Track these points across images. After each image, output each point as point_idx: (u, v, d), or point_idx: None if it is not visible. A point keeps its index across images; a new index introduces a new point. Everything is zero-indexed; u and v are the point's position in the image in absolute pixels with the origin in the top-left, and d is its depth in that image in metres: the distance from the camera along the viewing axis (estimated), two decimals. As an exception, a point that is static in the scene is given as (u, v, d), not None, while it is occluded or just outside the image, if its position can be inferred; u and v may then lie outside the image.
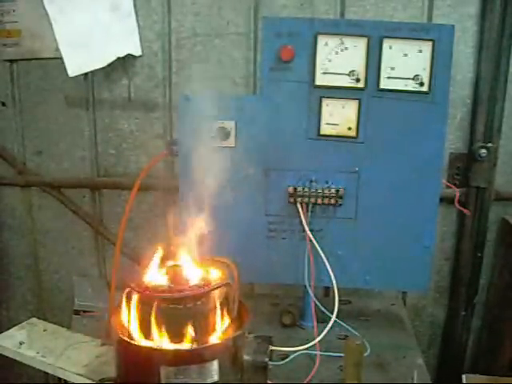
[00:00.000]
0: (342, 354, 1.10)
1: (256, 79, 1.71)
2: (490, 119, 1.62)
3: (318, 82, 1.27)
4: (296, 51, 1.25)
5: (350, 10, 1.65)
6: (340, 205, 1.33)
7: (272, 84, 1.29)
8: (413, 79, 1.25)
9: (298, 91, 1.28)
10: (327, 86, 1.27)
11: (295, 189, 1.32)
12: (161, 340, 0.95)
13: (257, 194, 1.35)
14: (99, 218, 1.92)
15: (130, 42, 1.72)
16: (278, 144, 1.31)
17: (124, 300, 1.02)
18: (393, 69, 1.25)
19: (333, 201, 1.32)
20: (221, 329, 1.01)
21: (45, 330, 1.47)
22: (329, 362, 1.22)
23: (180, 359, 0.93)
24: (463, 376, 1.47)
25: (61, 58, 1.68)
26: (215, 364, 0.94)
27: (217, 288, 1.00)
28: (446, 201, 1.65)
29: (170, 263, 1.08)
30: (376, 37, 1.23)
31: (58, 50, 1.68)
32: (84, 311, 1.97)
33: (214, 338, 0.98)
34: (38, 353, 1.33)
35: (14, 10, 1.79)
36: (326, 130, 1.30)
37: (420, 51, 1.24)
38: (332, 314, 1.28)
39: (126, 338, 0.96)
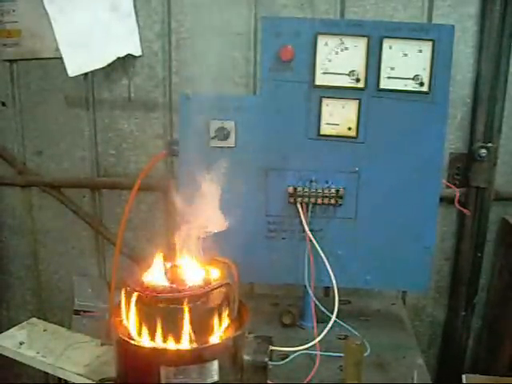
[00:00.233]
0: (341, 354, 1.10)
1: (256, 79, 1.71)
2: (490, 119, 1.62)
3: (317, 82, 1.27)
4: (296, 51, 1.25)
5: (349, 10, 1.65)
6: (340, 205, 1.33)
7: (272, 84, 1.29)
8: (413, 79, 1.25)
9: (297, 91, 1.28)
10: (327, 86, 1.27)
11: (295, 189, 1.32)
12: (161, 340, 0.95)
13: (257, 194, 1.35)
14: (99, 218, 1.92)
15: (130, 42, 1.72)
16: (277, 144, 1.31)
17: (124, 300, 1.02)
18: (393, 69, 1.25)
19: (333, 201, 1.32)
20: (221, 329, 1.01)
21: (45, 330, 1.47)
22: (329, 362, 1.22)
23: (180, 359, 0.93)
24: (463, 376, 1.47)
25: (61, 58, 1.67)
26: (215, 364, 0.94)
27: (217, 288, 1.00)
28: (446, 201, 1.65)
29: (169, 263, 1.08)
30: (376, 37, 1.23)
31: (57, 49, 1.68)
32: (84, 311, 1.97)
33: (214, 338, 0.98)
34: (38, 353, 1.33)
35: (13, 10, 1.79)
36: (326, 130, 1.30)
37: (420, 51, 1.24)
38: (332, 314, 1.28)
39: (125, 338, 0.96)
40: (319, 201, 1.32)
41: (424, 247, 1.34)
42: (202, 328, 0.97)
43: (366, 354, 1.20)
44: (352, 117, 1.28)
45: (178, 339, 0.95)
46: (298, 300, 1.44)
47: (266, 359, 1.01)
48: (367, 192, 1.33)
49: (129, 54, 1.73)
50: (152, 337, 0.96)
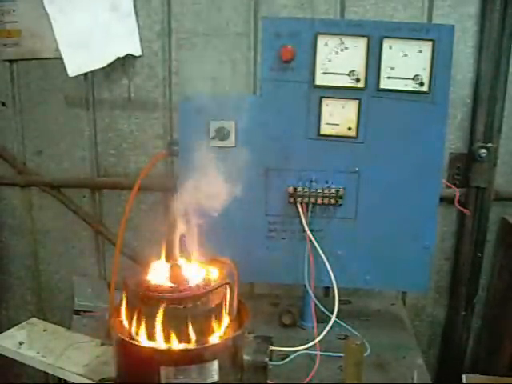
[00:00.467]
0: (342, 354, 1.10)
1: (256, 79, 1.71)
2: (490, 119, 1.62)
3: (318, 82, 1.27)
4: (296, 51, 1.25)
5: (349, 10, 1.65)
6: (340, 205, 1.33)
7: (272, 84, 1.29)
8: (413, 79, 1.25)
9: (298, 91, 1.28)
10: (327, 86, 1.27)
11: (295, 189, 1.32)
12: (161, 340, 0.95)
13: (257, 193, 1.35)
14: (99, 218, 1.92)
15: (130, 42, 1.72)
16: (277, 144, 1.31)
17: (124, 300, 1.02)
18: (393, 69, 1.25)
19: (333, 201, 1.32)
20: (221, 329, 1.01)
21: (45, 330, 1.47)
22: (329, 362, 1.22)
23: (180, 359, 0.93)
24: (463, 376, 1.47)
25: (61, 58, 1.68)
26: (215, 364, 0.94)
27: (217, 288, 1.00)
28: (446, 201, 1.65)
29: (170, 263, 1.08)
30: (376, 37, 1.23)
31: (57, 50, 1.68)
32: (84, 311, 1.97)
33: (214, 338, 0.98)
34: (38, 353, 1.33)
35: (13, 10, 1.79)
36: (326, 130, 1.30)
37: (420, 51, 1.24)
38: (332, 314, 1.28)
39: (126, 338, 0.96)
40: (319, 201, 1.32)
41: (424, 247, 1.34)
42: (202, 328, 0.97)
43: (365, 354, 1.20)
44: (352, 117, 1.28)
45: (178, 339, 0.95)
46: (298, 300, 1.44)
47: (266, 359, 1.01)
48: (367, 192, 1.33)
49: (129, 54, 1.73)
50: (152, 337, 0.96)
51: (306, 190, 1.32)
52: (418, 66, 1.24)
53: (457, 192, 1.56)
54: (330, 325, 1.28)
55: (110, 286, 1.43)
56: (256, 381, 1.01)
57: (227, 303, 1.03)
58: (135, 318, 0.98)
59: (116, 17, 1.69)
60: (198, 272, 1.07)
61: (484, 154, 1.62)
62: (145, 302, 0.97)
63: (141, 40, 1.73)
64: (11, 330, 1.46)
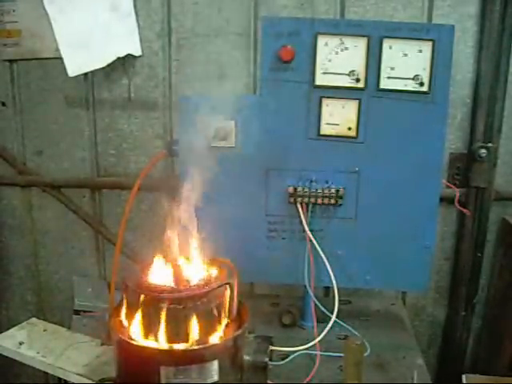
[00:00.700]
0: (342, 354, 1.10)
1: (256, 79, 1.71)
2: (490, 119, 1.62)
3: (318, 82, 1.27)
4: (296, 51, 1.25)
5: (350, 10, 1.65)
6: (340, 205, 1.33)
7: (272, 84, 1.29)
8: (413, 79, 1.25)
9: (298, 91, 1.28)
10: (327, 85, 1.27)
11: (295, 189, 1.32)
12: (161, 340, 0.95)
13: (257, 194, 1.35)
14: (99, 218, 1.92)
15: (130, 42, 1.72)
16: (277, 144, 1.31)
17: (124, 300, 1.02)
18: (393, 69, 1.25)
19: (333, 201, 1.32)
20: (221, 329, 1.01)
21: (45, 330, 1.47)
22: (329, 362, 1.22)
23: (180, 359, 0.93)
24: (463, 376, 1.47)
25: (61, 58, 1.68)
26: (215, 364, 0.94)
27: (217, 288, 1.00)
28: (446, 201, 1.65)
29: (169, 263, 1.08)
30: (376, 37, 1.23)
31: (57, 50, 1.68)
32: (84, 311, 1.97)
33: (214, 338, 0.98)
34: (38, 353, 1.33)
35: (14, 10, 1.78)
36: (326, 130, 1.30)
37: (420, 51, 1.24)
38: (332, 314, 1.28)
39: (126, 338, 0.96)
40: (319, 201, 1.32)
41: (424, 247, 1.34)
42: (202, 328, 0.97)
43: (365, 354, 1.20)
44: (352, 117, 1.28)
45: (178, 339, 0.95)
46: (298, 300, 1.44)
47: (266, 359, 1.01)
48: (367, 192, 1.33)
49: (129, 54, 1.72)
50: (152, 337, 0.96)
51: (306, 189, 1.31)
52: (418, 65, 1.24)
53: (457, 192, 1.56)
54: (329, 325, 1.28)
55: (110, 286, 1.43)
56: (256, 381, 1.01)
57: (227, 303, 1.03)
58: (135, 318, 0.98)
59: (116, 17, 1.69)
60: (198, 272, 1.07)
61: (484, 154, 1.62)
62: (145, 302, 0.97)
63: (141, 40, 1.73)
64: (11, 330, 1.46)
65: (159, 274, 1.05)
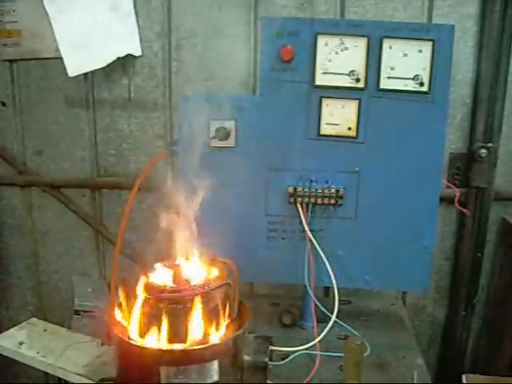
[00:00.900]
0: (342, 354, 1.10)
1: (256, 79, 1.71)
2: (490, 119, 1.62)
3: (318, 82, 1.27)
4: (296, 51, 1.25)
5: (350, 10, 1.65)
6: (340, 205, 1.33)
7: (272, 84, 1.29)
8: (413, 79, 1.25)
9: (298, 91, 1.28)
10: (327, 85, 1.27)
11: (295, 189, 1.32)
12: (161, 340, 0.95)
13: (257, 193, 1.35)
14: (99, 218, 1.92)
15: (130, 42, 1.72)
16: (277, 144, 1.31)
17: (124, 300, 1.02)
18: (393, 69, 1.25)
19: (333, 201, 1.32)
20: (221, 329, 1.01)
21: (45, 330, 1.47)
22: (329, 362, 1.22)
23: (180, 359, 0.93)
24: (463, 376, 1.47)
25: (61, 58, 1.68)
26: (215, 364, 0.94)
27: (217, 288, 1.00)
28: (446, 201, 1.65)
29: (169, 263, 1.08)
30: (376, 37, 1.23)
31: (57, 50, 1.68)
32: (84, 311, 1.97)
33: (214, 338, 0.98)
34: (38, 353, 1.33)
35: (14, 10, 1.78)
36: (326, 130, 1.30)
37: (420, 51, 1.24)
38: (332, 314, 1.28)
39: (126, 338, 0.96)
40: (319, 201, 1.32)
41: (424, 247, 1.34)
42: (202, 328, 0.96)
43: (365, 354, 1.20)
44: (352, 117, 1.28)
45: (178, 339, 0.95)
46: (298, 300, 1.44)
47: (266, 359, 1.01)
48: (367, 192, 1.33)
49: (129, 54, 1.72)
50: (152, 337, 0.96)
51: (306, 189, 1.31)
52: (418, 65, 1.24)
53: (457, 192, 1.56)
54: (329, 325, 1.28)
55: (110, 286, 1.43)
56: (256, 381, 1.01)
57: (227, 303, 1.03)
58: (135, 318, 0.98)
59: (116, 17, 1.69)
60: (198, 272, 1.07)
61: (484, 154, 1.62)
62: (145, 302, 0.97)
63: (141, 40, 1.73)
64: (11, 329, 1.46)
65: (159, 274, 1.05)
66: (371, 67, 1.25)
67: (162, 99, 1.79)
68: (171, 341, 0.96)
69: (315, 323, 1.30)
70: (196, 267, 1.08)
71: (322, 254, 1.32)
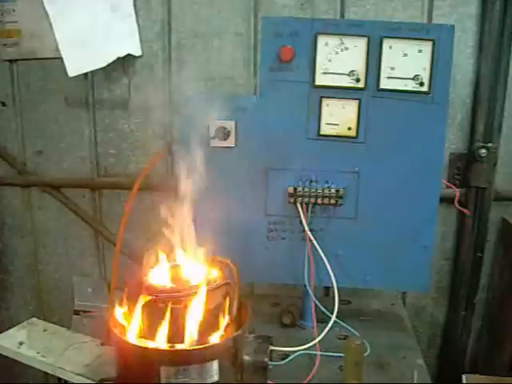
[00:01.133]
0: (342, 354, 1.10)
1: (256, 79, 1.71)
2: (490, 119, 1.62)
3: (317, 82, 1.27)
4: (296, 51, 1.25)
5: (350, 10, 1.64)
6: (340, 205, 1.33)
7: (272, 84, 1.29)
8: (413, 79, 1.25)
9: (297, 91, 1.28)
10: (327, 85, 1.27)
11: (295, 189, 1.32)
12: (161, 340, 0.95)
13: (257, 193, 1.35)
14: (99, 218, 1.92)
15: (130, 42, 1.72)
16: (277, 144, 1.31)
17: (124, 300, 1.02)
18: (393, 69, 1.25)
19: (333, 201, 1.32)
20: (221, 329, 1.01)
21: (45, 330, 1.47)
22: (329, 362, 1.22)
23: (180, 359, 0.93)
24: (463, 376, 1.47)
25: (61, 58, 1.67)
26: (215, 364, 0.94)
27: (217, 288, 1.00)
28: (446, 201, 1.65)
29: (169, 263, 1.09)
30: (376, 37, 1.23)
31: (57, 50, 1.68)
32: (84, 311, 1.97)
33: (214, 338, 0.98)
34: (38, 353, 1.33)
35: (13, 10, 1.79)
36: (325, 130, 1.30)
37: (420, 51, 1.24)
38: (332, 314, 1.28)
39: (125, 338, 0.96)
40: (319, 201, 1.32)
41: (424, 247, 1.34)
42: (202, 328, 0.96)
43: (365, 354, 1.20)
44: (352, 117, 1.28)
45: (178, 339, 0.95)
46: (298, 300, 1.44)
47: (266, 359, 1.01)
48: (367, 192, 1.33)
49: (129, 54, 1.72)
50: (152, 337, 0.96)
51: (306, 189, 1.31)
52: (417, 65, 1.24)
53: (457, 192, 1.56)
54: (330, 325, 1.28)
55: (110, 286, 1.43)
56: (256, 381, 1.01)
57: (227, 303, 1.03)
58: (135, 318, 0.98)
59: (116, 17, 1.69)
60: (198, 272, 1.07)
61: (484, 154, 1.62)
62: (145, 302, 0.97)
63: (141, 40, 1.73)
64: (11, 330, 1.46)
65: (159, 274, 1.05)
66: (371, 67, 1.25)
67: (162, 99, 1.79)
68: (171, 341, 0.96)
69: (315, 323, 1.30)
70: (196, 267, 1.08)
71: (322, 254, 1.32)
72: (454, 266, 1.79)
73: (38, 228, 1.98)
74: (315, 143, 1.31)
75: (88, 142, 1.86)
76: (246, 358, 1.01)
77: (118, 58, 1.71)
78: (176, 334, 0.95)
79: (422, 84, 1.25)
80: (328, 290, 1.67)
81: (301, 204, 1.33)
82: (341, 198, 1.32)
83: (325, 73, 1.27)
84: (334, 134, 1.30)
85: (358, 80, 1.26)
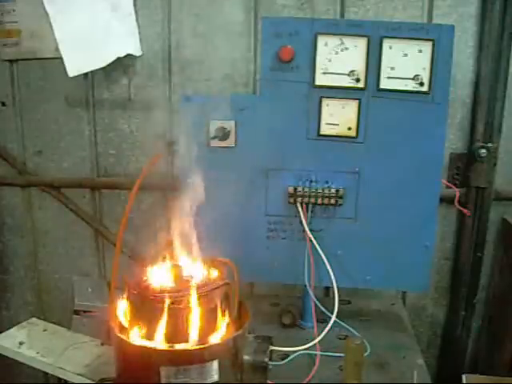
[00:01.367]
0: (342, 354, 1.10)
1: (256, 79, 1.71)
2: (490, 119, 1.62)
3: (317, 82, 1.27)
4: (296, 51, 1.25)
5: (349, 10, 1.65)
6: (340, 205, 1.33)
7: (272, 84, 1.29)
8: (413, 79, 1.25)
9: (298, 91, 1.28)
10: (327, 85, 1.27)
11: (295, 189, 1.32)
12: (161, 340, 0.95)
13: (257, 193, 1.35)
14: (99, 218, 1.92)
15: (130, 42, 1.72)
16: (277, 144, 1.31)
17: (124, 300, 1.02)
18: (393, 69, 1.25)
19: (333, 201, 1.32)
20: (221, 329, 1.01)
21: (45, 330, 1.47)
22: (329, 362, 1.22)
23: (180, 359, 0.93)
24: (463, 376, 1.47)
25: (61, 58, 1.67)
26: (215, 364, 0.94)
27: (217, 288, 1.00)
28: (446, 201, 1.65)
29: (170, 263, 1.09)
30: (376, 37, 1.23)
31: (57, 50, 1.68)
32: (84, 311, 1.97)
33: (214, 338, 0.98)
34: (37, 353, 1.33)
35: (13, 10, 1.78)
36: (325, 130, 1.30)
37: (420, 51, 1.24)
38: (332, 314, 1.28)
39: (125, 338, 0.96)
40: (319, 201, 1.32)
41: (424, 247, 1.34)
42: (202, 328, 0.97)
43: (365, 354, 1.20)
44: (352, 117, 1.28)
45: (178, 339, 0.95)
46: (298, 300, 1.44)
47: (266, 359, 1.01)
48: (367, 192, 1.33)
49: (129, 54, 1.72)
50: (152, 337, 0.96)
51: (306, 189, 1.32)
52: (417, 65, 1.24)
53: (457, 192, 1.56)
54: (330, 325, 1.28)
55: (110, 286, 1.43)
56: (256, 381, 1.01)
57: (227, 303, 1.03)
58: (135, 318, 0.98)
59: (116, 17, 1.69)
60: (198, 272, 1.07)
61: (484, 154, 1.62)
62: (145, 302, 0.97)
63: (141, 40, 1.73)
64: (11, 329, 1.45)
65: (159, 274, 1.05)
66: (371, 67, 1.25)
67: (162, 99, 1.79)
68: (171, 341, 0.96)
69: (315, 323, 1.30)
70: (196, 267, 1.08)
71: (322, 254, 1.32)
72: (454, 265, 1.79)
73: (38, 228, 1.98)
74: (315, 143, 1.31)
75: (88, 142, 1.86)
76: (246, 357, 1.01)
77: (118, 58, 1.71)
78: (176, 334, 0.95)
79: (422, 84, 1.25)
80: (328, 290, 1.67)
81: (301, 204, 1.33)
82: (341, 198, 1.32)
83: (325, 73, 1.27)
84: (334, 134, 1.30)
85: (357, 80, 1.26)
